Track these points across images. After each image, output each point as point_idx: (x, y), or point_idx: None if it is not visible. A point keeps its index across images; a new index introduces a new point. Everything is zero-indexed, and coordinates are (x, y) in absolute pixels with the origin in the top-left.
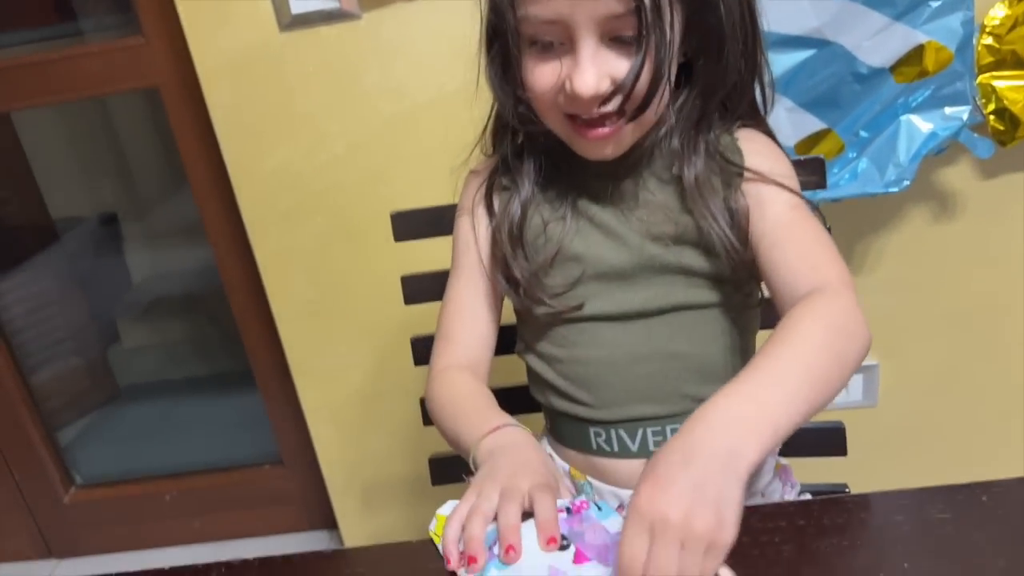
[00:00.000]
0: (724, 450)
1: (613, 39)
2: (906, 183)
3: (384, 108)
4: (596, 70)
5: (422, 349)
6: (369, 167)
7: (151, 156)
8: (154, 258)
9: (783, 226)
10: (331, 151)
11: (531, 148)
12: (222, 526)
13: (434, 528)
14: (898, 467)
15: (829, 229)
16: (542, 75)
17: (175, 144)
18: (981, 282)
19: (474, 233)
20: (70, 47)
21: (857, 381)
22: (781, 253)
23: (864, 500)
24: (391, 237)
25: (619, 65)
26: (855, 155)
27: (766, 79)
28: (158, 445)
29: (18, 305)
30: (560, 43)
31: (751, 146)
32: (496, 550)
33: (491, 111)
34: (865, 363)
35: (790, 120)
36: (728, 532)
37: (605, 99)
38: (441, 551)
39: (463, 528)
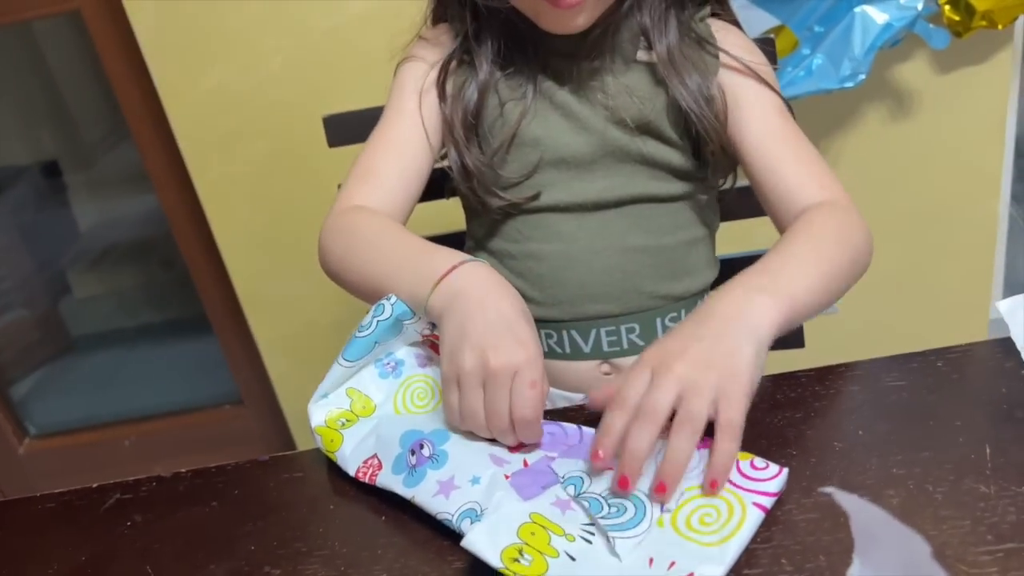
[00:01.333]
0: (739, 312)
1: None
2: (861, 77)
3: (320, 21)
4: None
5: None
6: (308, 83)
7: (91, 101)
8: (101, 206)
9: (774, 134)
10: (267, 69)
11: (489, 25)
12: (186, 468)
13: (323, 445)
14: None
15: None
16: None
17: (109, 83)
18: (939, 178)
19: (420, 111)
20: None
21: None
22: (780, 164)
23: (817, 373)
24: (335, 155)
25: None
26: (809, 51)
27: None
28: (115, 393)
29: None
30: None
31: (728, 37)
32: (426, 450)
33: None
34: None
35: (743, 17)
36: (739, 381)
37: None
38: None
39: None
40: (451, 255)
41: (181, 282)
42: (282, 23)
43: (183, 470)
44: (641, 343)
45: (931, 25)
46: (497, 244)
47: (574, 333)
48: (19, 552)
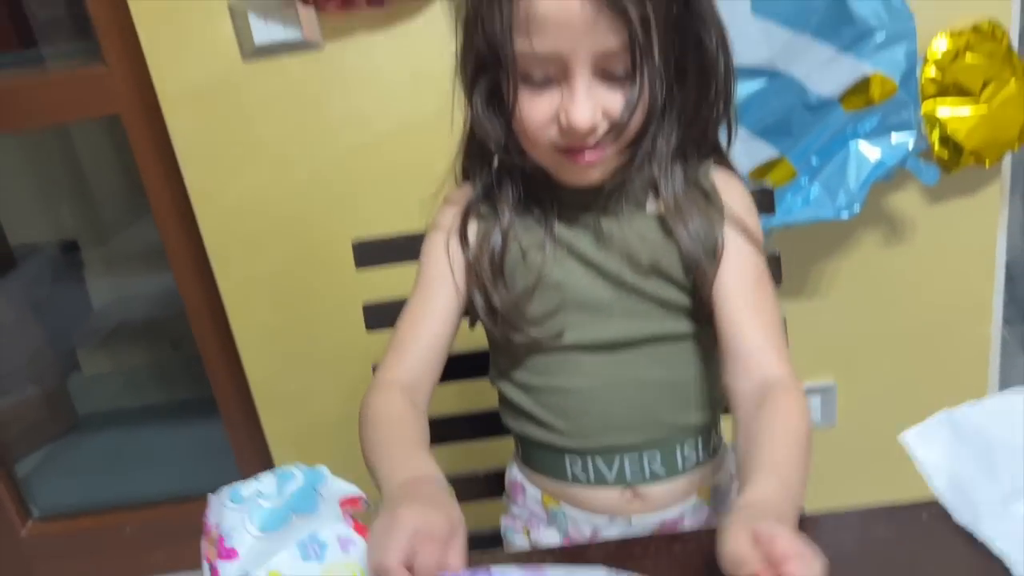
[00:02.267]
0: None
1: (605, 75)
2: (856, 208)
3: (347, 137)
4: (591, 104)
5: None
6: (332, 195)
7: (112, 183)
8: (115, 284)
9: (748, 298)
10: (294, 179)
11: (510, 176)
12: (184, 557)
13: None
14: (860, 485)
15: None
16: (537, 108)
17: (136, 171)
18: (930, 303)
19: (447, 254)
20: (33, 75)
21: (816, 402)
22: (748, 328)
23: (809, 520)
24: (351, 264)
25: (611, 98)
26: (807, 181)
27: (733, 112)
28: (118, 475)
29: None
30: (553, 78)
31: (729, 190)
32: None
33: (463, 139)
34: (823, 384)
35: (744, 148)
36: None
37: (597, 131)
38: None
39: None
40: (414, 468)
41: (190, 363)
42: (310, 136)
43: None
44: (662, 471)
45: (922, 162)
46: (522, 377)
47: (599, 461)
48: None
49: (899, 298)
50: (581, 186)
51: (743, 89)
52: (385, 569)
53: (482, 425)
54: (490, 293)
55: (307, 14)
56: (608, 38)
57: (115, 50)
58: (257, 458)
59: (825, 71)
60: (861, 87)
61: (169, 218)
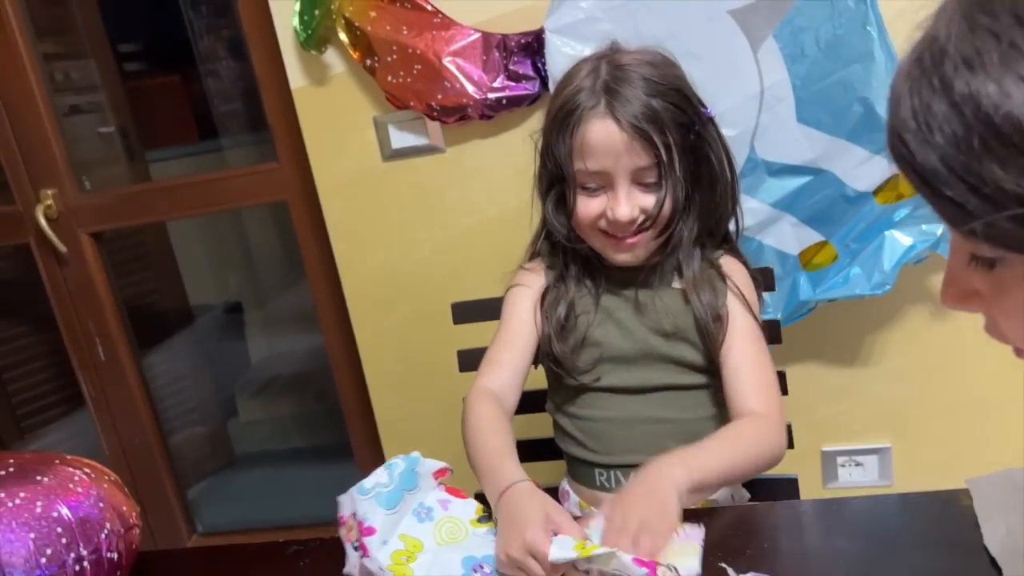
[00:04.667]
0: (663, 476)
1: (640, 183)
2: (888, 287)
3: (462, 221)
4: (630, 203)
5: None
6: (449, 266)
7: (272, 255)
8: (270, 343)
9: (747, 356)
10: (420, 254)
11: (574, 261)
12: None
13: None
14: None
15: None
16: (590, 208)
17: (292, 246)
18: (976, 372)
19: (534, 316)
20: (221, 171)
21: (873, 462)
22: (744, 380)
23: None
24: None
25: (646, 199)
26: (847, 262)
27: (739, 210)
28: (266, 504)
29: (162, 378)
30: (601, 186)
31: (733, 270)
32: (486, 569)
33: (538, 231)
34: (879, 445)
35: (794, 233)
36: (670, 520)
37: (637, 223)
38: None
39: None
40: (512, 475)
41: (330, 413)
42: (433, 220)
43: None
44: None
45: None
46: (569, 408)
47: (619, 474)
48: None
49: (946, 370)
50: (625, 264)
51: (791, 184)
52: (513, 559)
53: (541, 449)
54: (554, 344)
55: (433, 126)
56: (641, 158)
57: (285, 149)
58: None
59: (860, 169)
60: (891, 183)
61: (320, 284)
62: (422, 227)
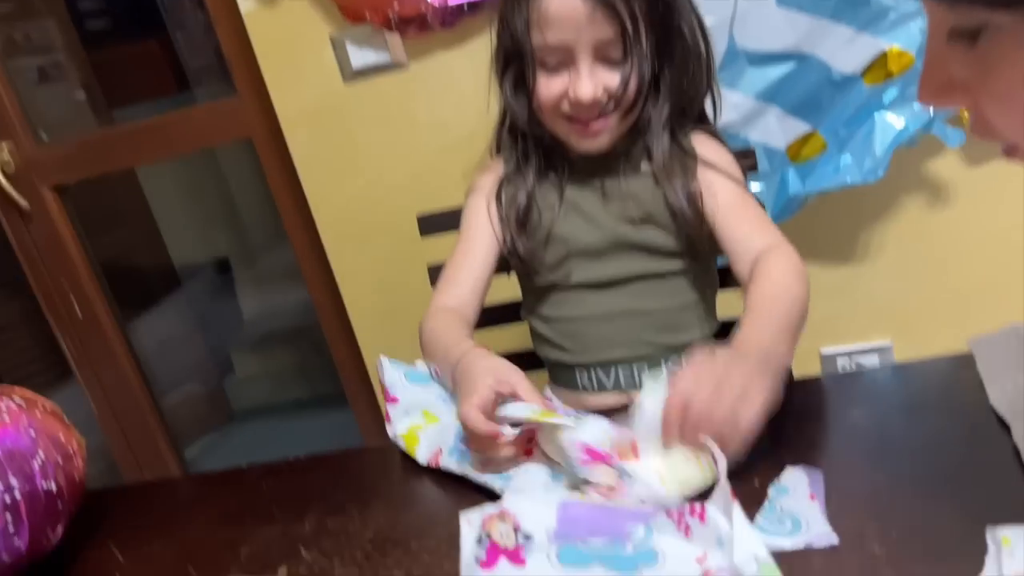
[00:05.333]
0: (771, 356)
1: (604, 59)
2: (880, 172)
3: (432, 141)
4: (593, 81)
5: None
6: (422, 191)
7: (257, 209)
8: (262, 298)
9: (732, 204)
10: (391, 180)
11: (534, 149)
12: None
13: (405, 447)
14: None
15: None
16: (551, 88)
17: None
18: (977, 261)
19: (487, 209)
20: (180, 111)
21: (873, 361)
22: (736, 222)
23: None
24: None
25: (610, 78)
26: (837, 151)
27: (715, 88)
28: (266, 459)
29: (150, 338)
30: (563, 64)
31: (702, 145)
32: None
33: (498, 122)
34: (880, 344)
35: (780, 126)
36: (747, 424)
37: (600, 105)
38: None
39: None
40: (465, 346)
41: (326, 364)
42: (403, 142)
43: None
44: None
45: (948, 126)
46: (543, 311)
47: (599, 372)
48: (195, 502)
49: (947, 259)
50: (590, 152)
51: (774, 72)
52: (468, 418)
53: (523, 360)
54: (516, 243)
55: (393, 39)
56: (604, 29)
57: (244, 80)
58: (379, 436)
59: (846, 50)
60: (879, 62)
61: (296, 224)
62: (392, 151)
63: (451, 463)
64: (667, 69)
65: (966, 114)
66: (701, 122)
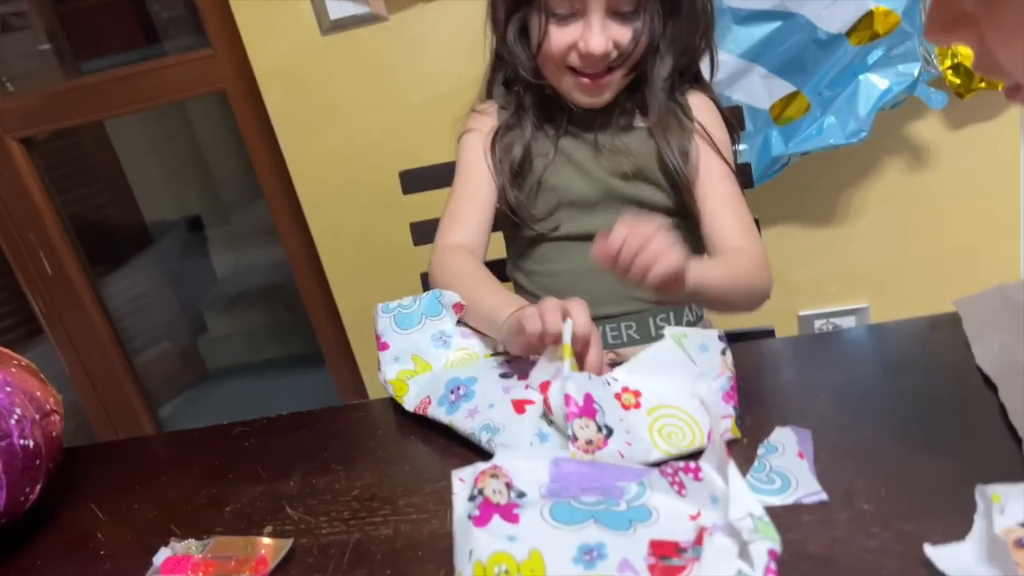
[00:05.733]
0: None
1: (615, 13)
2: (863, 134)
3: (412, 97)
4: (604, 34)
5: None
6: (402, 147)
7: (230, 166)
8: (235, 256)
9: (723, 196)
10: (370, 136)
11: (531, 100)
12: None
13: (394, 392)
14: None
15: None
16: (560, 38)
17: (248, 151)
18: (957, 224)
19: (483, 150)
20: (151, 62)
21: (850, 323)
22: (722, 219)
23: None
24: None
25: (620, 31)
26: (821, 112)
27: (713, 47)
28: (240, 418)
29: (121, 296)
30: (572, 14)
31: (701, 109)
32: (462, 390)
33: (489, 67)
34: (856, 305)
35: (764, 85)
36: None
37: (609, 59)
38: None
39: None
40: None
41: (301, 322)
42: (382, 97)
43: (275, 415)
44: (638, 337)
45: (932, 89)
46: (528, 265)
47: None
48: (176, 459)
49: (927, 221)
50: (591, 106)
51: (759, 31)
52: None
53: None
54: (508, 191)
55: None
56: None
57: (218, 34)
58: (356, 394)
59: (832, 8)
60: (865, 21)
61: (271, 180)
62: (370, 107)
63: (439, 413)
64: (672, 26)
65: (949, 75)
66: (696, 81)
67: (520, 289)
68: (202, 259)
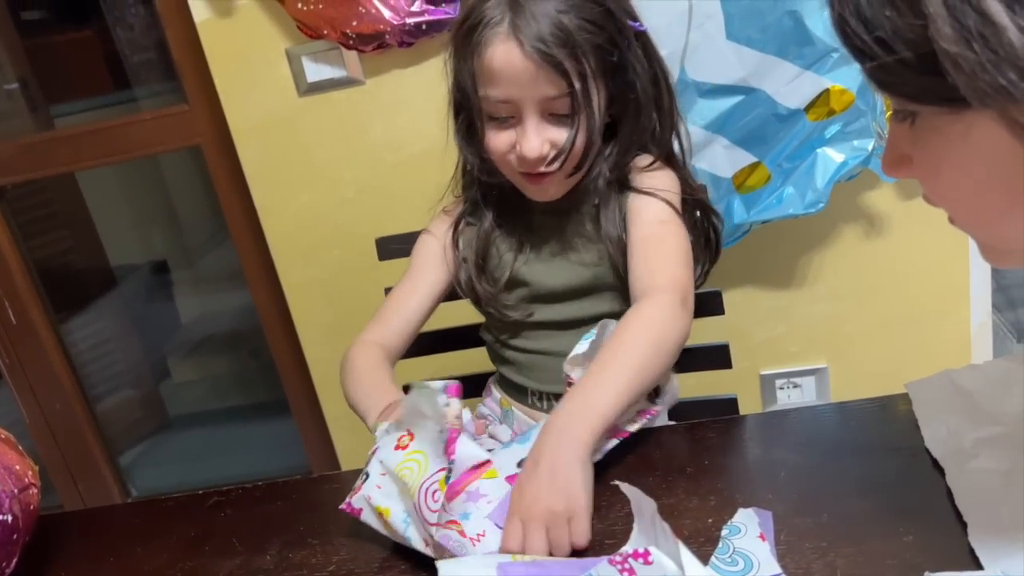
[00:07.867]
0: (564, 445)
1: (552, 114)
2: (821, 205)
3: (386, 157)
4: (539, 138)
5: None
6: (375, 207)
7: (196, 211)
8: (201, 301)
9: (645, 238)
10: (343, 195)
11: (491, 193)
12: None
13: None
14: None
15: (715, 230)
16: (499, 141)
17: (216, 197)
18: (911, 290)
19: (438, 251)
20: (127, 116)
21: (810, 383)
22: (636, 259)
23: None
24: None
25: (557, 133)
26: (780, 183)
27: (683, 133)
28: (203, 465)
29: (84, 343)
30: (511, 117)
31: (653, 178)
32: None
33: (457, 163)
34: (816, 366)
35: (727, 156)
36: (579, 501)
37: (548, 160)
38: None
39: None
40: (382, 400)
41: (266, 370)
42: (356, 158)
43: (251, 484)
44: None
45: None
46: (505, 338)
47: (553, 400)
48: (151, 530)
49: (882, 287)
50: (544, 201)
51: (722, 104)
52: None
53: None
54: (475, 284)
55: (350, 56)
56: (549, 88)
57: (195, 91)
58: (321, 443)
59: (791, 86)
60: (822, 99)
61: (243, 234)
62: (344, 166)
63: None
64: (622, 120)
65: None
66: (668, 162)
67: (495, 354)
68: (167, 303)
